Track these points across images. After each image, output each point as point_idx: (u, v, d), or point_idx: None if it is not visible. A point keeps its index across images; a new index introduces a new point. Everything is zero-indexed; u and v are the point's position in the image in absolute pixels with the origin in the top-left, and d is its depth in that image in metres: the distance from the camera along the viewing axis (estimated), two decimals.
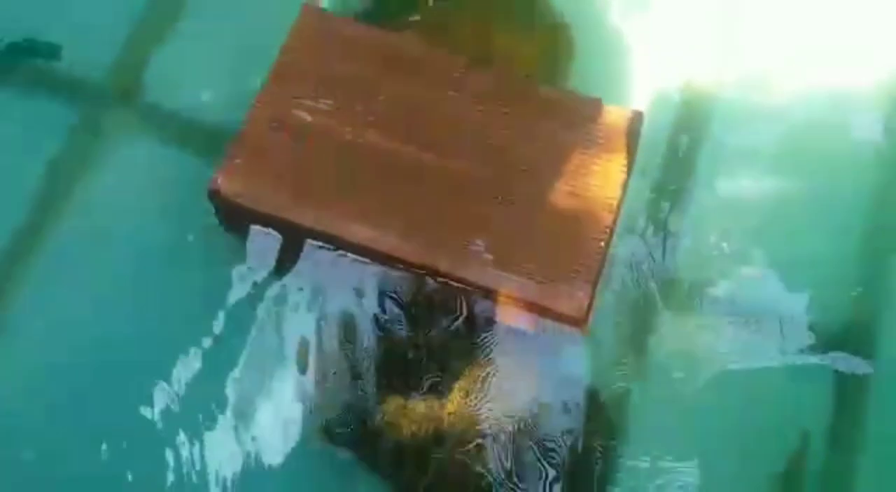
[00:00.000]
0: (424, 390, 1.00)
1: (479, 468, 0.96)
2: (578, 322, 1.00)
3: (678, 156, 1.20)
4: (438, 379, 1.00)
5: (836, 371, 1.09)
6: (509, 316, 1.02)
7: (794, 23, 1.29)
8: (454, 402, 0.99)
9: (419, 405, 0.99)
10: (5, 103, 1.20)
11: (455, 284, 1.01)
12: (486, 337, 1.03)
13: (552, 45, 1.24)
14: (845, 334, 1.11)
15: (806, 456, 1.06)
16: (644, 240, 1.14)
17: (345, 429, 1.00)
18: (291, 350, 1.05)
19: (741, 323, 1.10)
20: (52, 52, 1.20)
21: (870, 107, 1.25)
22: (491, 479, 0.96)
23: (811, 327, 1.10)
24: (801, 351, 1.10)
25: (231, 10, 1.25)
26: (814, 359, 1.10)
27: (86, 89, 1.22)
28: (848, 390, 1.09)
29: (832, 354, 1.10)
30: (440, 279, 1.01)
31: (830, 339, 1.10)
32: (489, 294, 1.01)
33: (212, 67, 1.22)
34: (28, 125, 1.19)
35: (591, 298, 1.00)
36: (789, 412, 1.08)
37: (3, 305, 1.10)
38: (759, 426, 1.06)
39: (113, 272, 1.11)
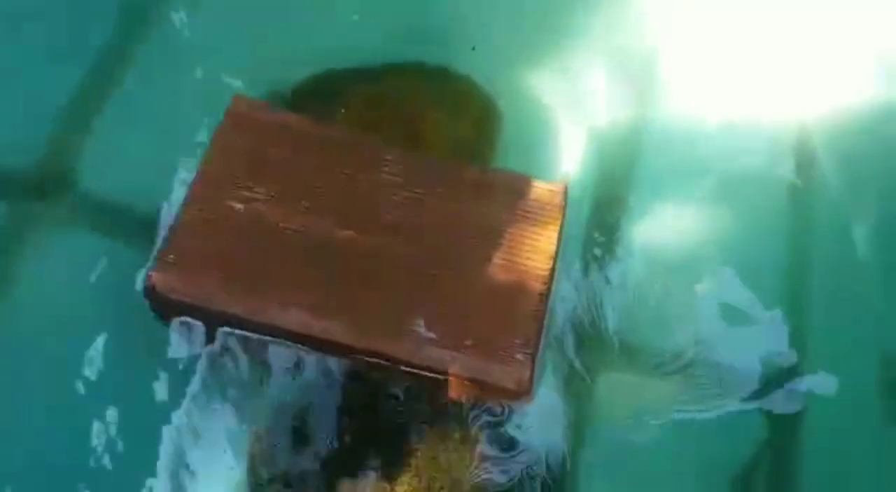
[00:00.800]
0: (375, 472, 1.01)
1: None
2: (522, 395, 1.02)
3: (606, 220, 1.26)
4: (387, 461, 1.01)
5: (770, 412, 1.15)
6: (453, 391, 1.04)
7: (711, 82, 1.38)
8: (405, 484, 1.00)
9: (370, 489, 1.00)
10: None
11: (396, 366, 1.03)
12: (430, 413, 1.04)
13: (478, 123, 1.29)
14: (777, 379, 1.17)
15: None
16: (579, 303, 1.18)
17: None
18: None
19: (680, 374, 1.16)
20: None
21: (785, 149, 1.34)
22: None
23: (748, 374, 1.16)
24: (741, 398, 1.15)
25: (159, 98, 1.26)
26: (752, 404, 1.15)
27: (13, 183, 1.21)
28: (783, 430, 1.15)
29: (768, 398, 1.15)
30: (380, 361, 1.03)
31: (767, 383, 1.16)
32: (431, 372, 1.03)
33: (141, 155, 1.22)
34: None
35: (533, 370, 1.03)
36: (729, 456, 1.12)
37: None
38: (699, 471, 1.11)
39: (44, 369, 1.09)
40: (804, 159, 1.35)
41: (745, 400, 1.15)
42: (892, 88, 1.41)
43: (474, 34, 1.37)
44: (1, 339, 1.10)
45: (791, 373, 1.18)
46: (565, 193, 1.16)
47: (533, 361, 1.03)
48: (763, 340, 1.19)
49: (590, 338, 1.16)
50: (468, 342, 1.03)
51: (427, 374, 1.02)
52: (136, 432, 1.05)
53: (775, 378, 1.17)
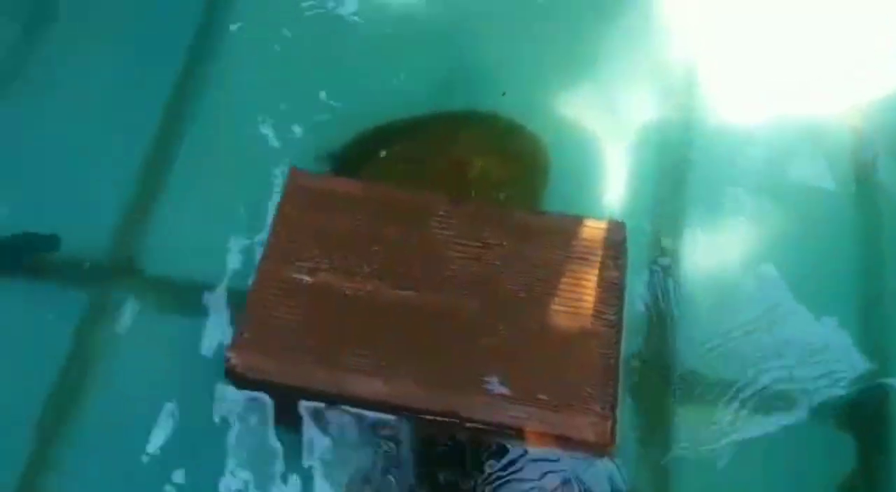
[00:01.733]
0: None
1: None
2: (604, 447, 1.03)
3: (665, 247, 1.24)
4: None
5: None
6: (532, 445, 1.05)
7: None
8: None
9: None
10: (14, 295, 1.24)
11: (472, 424, 1.04)
12: (513, 470, 1.05)
13: (526, 162, 1.29)
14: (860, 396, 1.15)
15: None
16: (648, 340, 1.18)
17: None
18: None
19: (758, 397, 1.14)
20: (51, 243, 1.24)
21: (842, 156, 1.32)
22: None
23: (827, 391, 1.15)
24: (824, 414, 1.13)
25: (218, 174, 1.29)
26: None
27: (86, 271, 1.25)
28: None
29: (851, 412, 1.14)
30: (455, 420, 1.04)
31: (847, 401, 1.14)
32: (508, 429, 1.04)
33: (206, 232, 1.25)
34: (38, 313, 1.22)
35: (614, 420, 1.03)
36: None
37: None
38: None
39: (140, 447, 1.14)
40: (862, 166, 1.32)
41: (827, 416, 1.14)
42: None
43: (510, 75, 1.37)
44: (80, 412, 1.14)
45: (874, 387, 1.16)
46: (623, 229, 1.15)
47: (613, 411, 1.03)
48: (839, 356, 1.17)
49: (661, 372, 1.15)
50: (543, 396, 1.03)
51: (509, 432, 1.03)
52: None
53: (857, 395, 1.15)
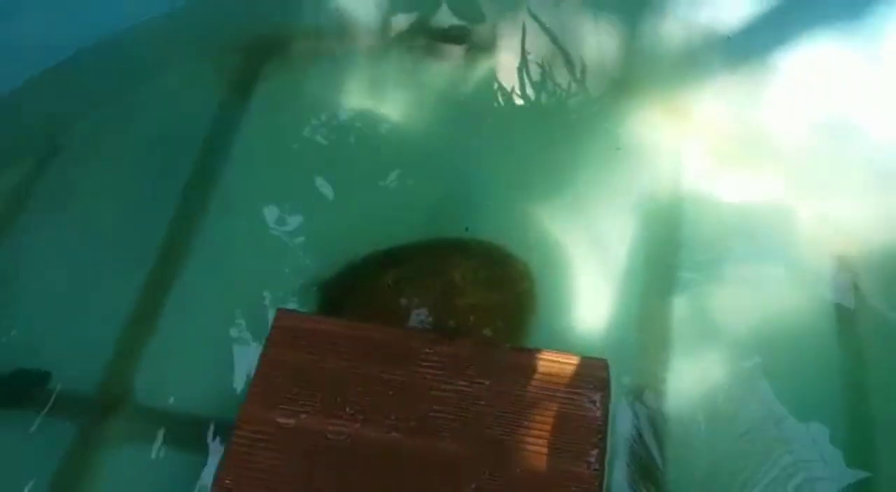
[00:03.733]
0: None
1: None
2: None
3: (652, 373, 1.25)
4: None
5: None
6: None
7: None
8: None
9: None
10: (7, 425, 1.25)
11: None
12: None
13: (512, 294, 1.31)
14: None
15: None
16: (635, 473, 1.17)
17: None
18: None
19: None
20: (42, 379, 1.26)
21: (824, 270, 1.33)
22: None
23: None
24: None
25: (211, 309, 1.31)
26: None
27: (77, 404, 1.27)
28: None
29: None
30: None
31: None
32: None
33: (196, 367, 1.28)
34: (27, 445, 1.24)
35: None
36: None
37: None
38: None
39: None
40: (845, 279, 1.32)
41: None
42: None
43: (496, 204, 1.40)
44: None
45: None
46: (607, 368, 1.16)
47: None
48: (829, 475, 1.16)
49: None
50: None
51: None
52: None
53: None
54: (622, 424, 1.20)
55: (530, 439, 1.10)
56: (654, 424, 1.20)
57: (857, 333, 1.29)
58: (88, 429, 1.25)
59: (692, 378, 1.25)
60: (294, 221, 1.39)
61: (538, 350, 1.19)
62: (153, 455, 1.22)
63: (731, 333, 1.29)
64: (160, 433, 1.24)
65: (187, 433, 1.23)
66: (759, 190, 1.42)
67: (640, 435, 1.20)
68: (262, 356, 1.16)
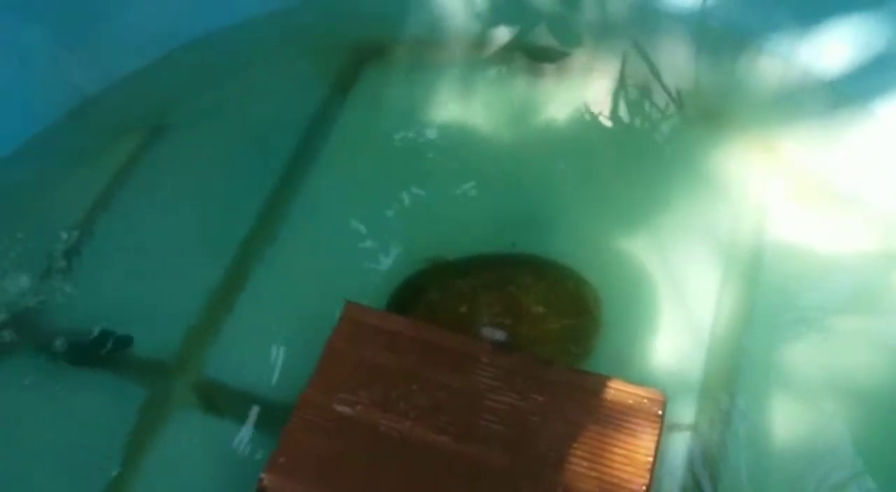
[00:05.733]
0: None
1: None
2: None
3: (703, 436, 1.22)
4: None
5: None
6: None
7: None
8: None
9: None
10: (85, 384, 1.33)
11: None
12: None
13: (577, 322, 1.31)
14: None
15: None
16: None
17: None
18: None
19: None
20: (124, 342, 1.34)
21: None
22: None
23: None
24: None
25: (285, 296, 1.37)
26: None
27: (151, 371, 1.34)
28: None
29: None
30: None
31: None
32: None
33: (265, 349, 1.33)
34: (104, 404, 1.32)
35: None
36: None
37: None
38: None
39: None
40: None
41: None
42: None
43: (572, 224, 1.41)
44: None
45: None
46: (664, 402, 1.15)
47: None
48: None
49: None
50: None
51: None
52: None
53: None
54: (673, 459, 1.19)
55: (575, 460, 1.11)
56: (707, 464, 1.18)
57: None
58: (157, 395, 1.33)
59: (755, 423, 1.22)
60: (374, 222, 1.44)
61: (596, 374, 1.19)
62: (214, 427, 1.29)
63: (802, 381, 1.26)
64: (224, 407, 1.30)
65: (248, 410, 1.29)
66: (845, 239, 1.38)
67: (692, 474, 1.18)
68: (328, 346, 1.21)
